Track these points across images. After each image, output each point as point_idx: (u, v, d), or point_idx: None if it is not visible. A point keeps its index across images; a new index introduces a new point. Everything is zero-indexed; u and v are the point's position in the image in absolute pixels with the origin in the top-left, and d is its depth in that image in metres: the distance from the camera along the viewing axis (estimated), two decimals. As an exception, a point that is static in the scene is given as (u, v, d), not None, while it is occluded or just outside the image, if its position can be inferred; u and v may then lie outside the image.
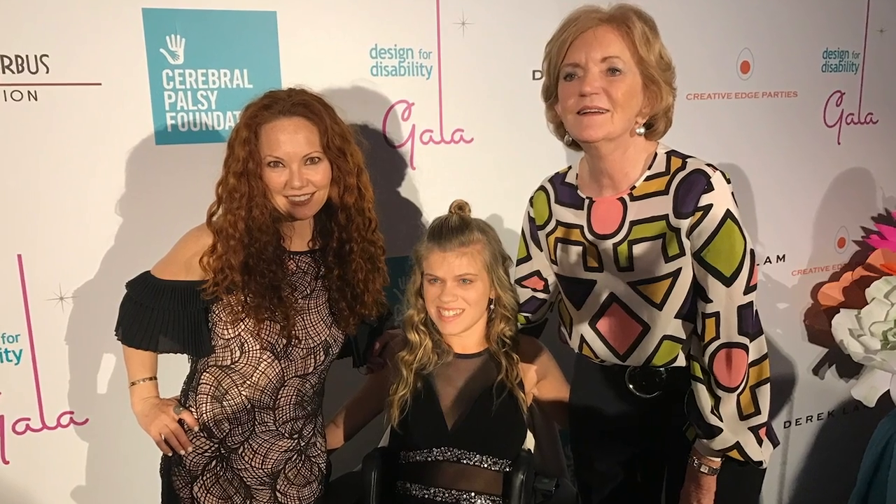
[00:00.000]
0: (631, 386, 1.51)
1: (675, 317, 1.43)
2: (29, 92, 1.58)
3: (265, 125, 1.42)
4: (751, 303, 1.38)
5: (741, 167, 2.37)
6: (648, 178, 1.42)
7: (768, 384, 1.42)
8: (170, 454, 1.53)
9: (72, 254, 1.67)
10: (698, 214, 1.35)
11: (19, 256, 1.64)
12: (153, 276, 1.51)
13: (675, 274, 1.40)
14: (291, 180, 1.42)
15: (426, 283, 1.61)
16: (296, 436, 1.57)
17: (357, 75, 1.87)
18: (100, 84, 1.63)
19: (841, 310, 2.36)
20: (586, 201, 1.49)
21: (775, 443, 1.50)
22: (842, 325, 2.31)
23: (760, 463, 1.43)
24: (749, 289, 1.37)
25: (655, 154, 1.44)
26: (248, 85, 1.75)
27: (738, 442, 1.40)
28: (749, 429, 1.40)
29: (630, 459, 1.60)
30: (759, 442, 1.42)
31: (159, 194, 1.72)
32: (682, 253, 1.39)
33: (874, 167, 2.64)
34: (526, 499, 1.56)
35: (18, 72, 1.57)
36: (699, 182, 1.36)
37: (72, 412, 1.75)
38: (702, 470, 1.44)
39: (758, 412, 1.41)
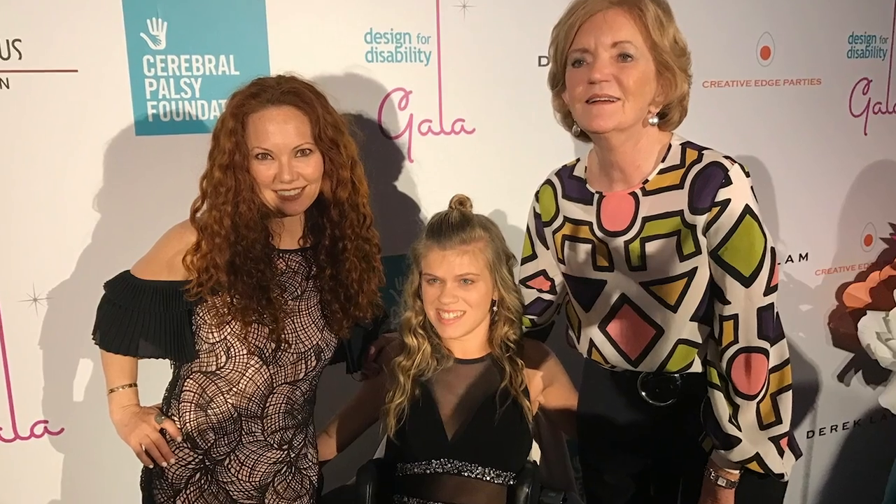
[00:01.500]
0: (643, 393, 1.51)
1: (691, 319, 1.43)
2: (0, 79, 1.58)
3: (252, 115, 1.42)
4: (771, 304, 1.38)
5: (761, 160, 2.37)
6: (662, 172, 1.42)
7: (790, 391, 1.42)
8: (151, 466, 1.53)
9: (46, 252, 1.67)
10: (715, 210, 1.35)
11: (-10, 255, 1.64)
12: (133, 276, 1.51)
13: (691, 274, 1.40)
14: (281, 173, 1.42)
15: (425, 283, 1.60)
16: (285, 447, 1.57)
17: (351, 61, 1.87)
18: (76, 71, 1.63)
19: (868, 312, 2.37)
20: (596, 196, 1.49)
21: (798, 454, 1.50)
22: (868, 328, 2.32)
23: (782, 475, 1.44)
24: (769, 289, 1.37)
25: (669, 146, 1.44)
26: (235, 72, 1.75)
27: (757, 453, 1.40)
28: (770, 439, 1.40)
29: (642, 472, 1.60)
30: (781, 453, 1.42)
31: (140, 188, 1.72)
32: (697, 251, 1.39)
33: (903, 160, 2.64)
34: (531, 514, 1.57)
35: (-11, 58, 1.57)
36: (716, 175, 1.36)
37: (46, 421, 1.75)
38: (719, 483, 1.44)
39: (779, 421, 1.41)
